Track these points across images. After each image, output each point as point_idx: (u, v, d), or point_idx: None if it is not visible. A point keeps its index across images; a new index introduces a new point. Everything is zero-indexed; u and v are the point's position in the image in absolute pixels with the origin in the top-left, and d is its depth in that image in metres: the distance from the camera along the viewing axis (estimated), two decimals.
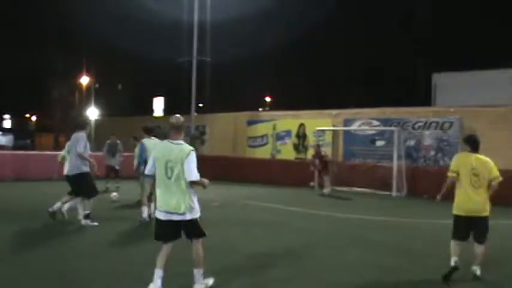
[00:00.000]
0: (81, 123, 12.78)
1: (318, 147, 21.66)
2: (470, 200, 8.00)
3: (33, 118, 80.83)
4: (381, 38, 57.93)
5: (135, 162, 13.23)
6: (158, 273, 6.70)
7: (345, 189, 21.34)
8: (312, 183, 21.71)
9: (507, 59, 32.44)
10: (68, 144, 12.32)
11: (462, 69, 32.14)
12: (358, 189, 21.04)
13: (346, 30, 60.30)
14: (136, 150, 13.18)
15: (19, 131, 70.93)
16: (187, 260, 6.97)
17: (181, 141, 6.87)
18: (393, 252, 9.81)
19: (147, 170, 6.98)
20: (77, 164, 11.81)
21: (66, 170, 12.00)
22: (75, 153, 11.76)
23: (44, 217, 11.93)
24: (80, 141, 11.86)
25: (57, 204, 11.94)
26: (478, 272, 7.90)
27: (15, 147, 35.92)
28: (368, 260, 9.07)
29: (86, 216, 11.77)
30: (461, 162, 8.20)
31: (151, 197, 12.47)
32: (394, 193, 19.85)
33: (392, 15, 59.42)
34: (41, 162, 23.00)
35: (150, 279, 6.73)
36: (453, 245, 8.08)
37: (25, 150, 33.70)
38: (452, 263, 7.82)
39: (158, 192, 6.80)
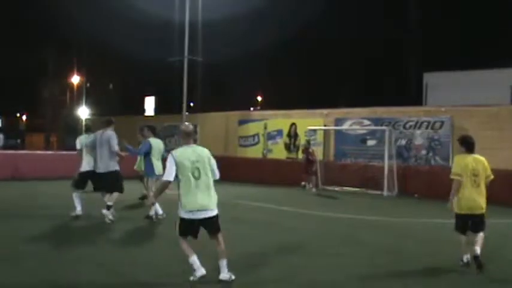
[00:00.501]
0: (109, 121, 12.88)
1: (307, 144, 21.67)
2: (472, 199, 8.34)
3: (24, 118, 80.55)
4: (373, 37, 58.04)
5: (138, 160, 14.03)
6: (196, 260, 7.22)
7: (336, 188, 21.38)
8: (303, 183, 21.69)
9: (499, 59, 32.54)
10: (89, 141, 12.49)
11: (453, 69, 32.20)
12: (349, 188, 21.06)
13: (338, 29, 60.32)
14: (140, 147, 13.29)
15: (9, 130, 70.64)
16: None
17: (195, 145, 7.44)
18: (384, 251, 9.80)
19: (169, 176, 7.11)
20: (112, 162, 12.16)
21: (98, 168, 12.19)
22: (109, 151, 12.09)
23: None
24: (112, 138, 12.20)
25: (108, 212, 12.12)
26: (478, 251, 8.17)
27: (5, 147, 35.77)
28: (359, 260, 9.05)
29: (109, 208, 11.94)
30: (462, 164, 8.44)
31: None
32: (385, 192, 19.85)
33: (383, 14, 59.52)
34: (32, 162, 22.95)
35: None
36: (462, 239, 8.52)
37: (15, 150, 33.55)
38: (465, 260, 8.39)
39: (186, 194, 7.09)
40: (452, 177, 8.46)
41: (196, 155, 7.20)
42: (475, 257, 8.15)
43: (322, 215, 14.52)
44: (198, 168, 7.11)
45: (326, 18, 60.54)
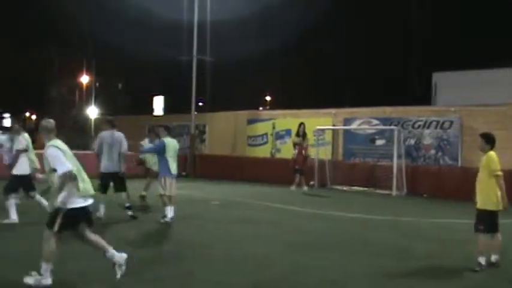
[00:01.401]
0: (113, 121, 13.04)
1: (302, 139, 21.65)
2: (504, 194, 8.47)
3: (33, 117, 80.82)
4: (382, 36, 58.02)
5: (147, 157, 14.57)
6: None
7: (344, 188, 21.38)
8: (311, 182, 21.68)
9: (507, 58, 32.41)
10: (103, 142, 12.52)
11: (462, 68, 32.10)
12: (358, 188, 21.05)
13: (346, 29, 60.43)
14: (151, 145, 13.59)
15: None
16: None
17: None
18: (391, 251, 9.76)
19: (69, 166, 6.75)
20: (121, 162, 12.54)
21: (110, 168, 12.45)
22: (121, 152, 12.48)
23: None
24: (123, 140, 12.59)
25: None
26: (498, 258, 8.56)
27: None
28: (365, 259, 9.02)
29: (129, 208, 12.55)
30: (497, 160, 8.54)
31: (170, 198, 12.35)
32: (393, 192, 19.80)
33: (392, 13, 59.50)
34: (41, 162, 23.01)
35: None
36: (486, 240, 8.46)
37: None
38: (483, 262, 8.33)
39: (81, 179, 6.89)
40: (498, 173, 8.43)
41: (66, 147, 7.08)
42: (493, 263, 8.46)
43: (329, 215, 14.48)
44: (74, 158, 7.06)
45: (334, 18, 60.66)
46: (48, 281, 6.76)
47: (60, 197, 6.67)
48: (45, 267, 6.75)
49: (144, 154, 15.45)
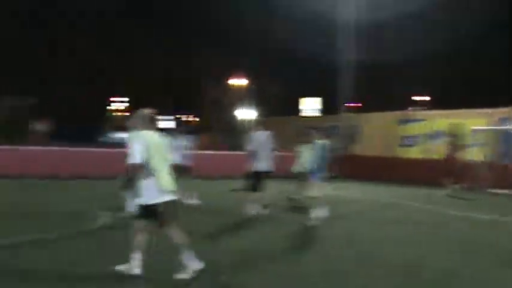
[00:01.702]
0: (265, 122, 13.78)
1: (456, 139, 21.29)
2: None
3: (193, 119, 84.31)
4: None
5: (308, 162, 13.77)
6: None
7: (500, 191, 20.59)
8: (464, 184, 21.17)
9: None
10: (258, 143, 12.92)
11: None
12: None
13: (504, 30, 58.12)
14: (312, 151, 13.36)
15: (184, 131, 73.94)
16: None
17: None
18: None
19: (138, 159, 6.81)
20: (271, 161, 13.05)
21: (265, 167, 12.89)
22: (271, 150, 13.01)
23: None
24: (273, 141, 13.09)
25: (264, 210, 13.02)
26: None
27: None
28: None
29: (265, 207, 13.00)
30: None
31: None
32: None
33: None
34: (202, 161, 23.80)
35: None
36: None
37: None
38: None
39: (162, 174, 7.02)
40: None
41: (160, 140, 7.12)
42: None
43: (483, 218, 14.03)
44: (166, 152, 7.15)
45: (497, 20, 58.64)
46: (137, 270, 6.97)
47: (142, 194, 6.97)
48: (135, 256, 6.98)
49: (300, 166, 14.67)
